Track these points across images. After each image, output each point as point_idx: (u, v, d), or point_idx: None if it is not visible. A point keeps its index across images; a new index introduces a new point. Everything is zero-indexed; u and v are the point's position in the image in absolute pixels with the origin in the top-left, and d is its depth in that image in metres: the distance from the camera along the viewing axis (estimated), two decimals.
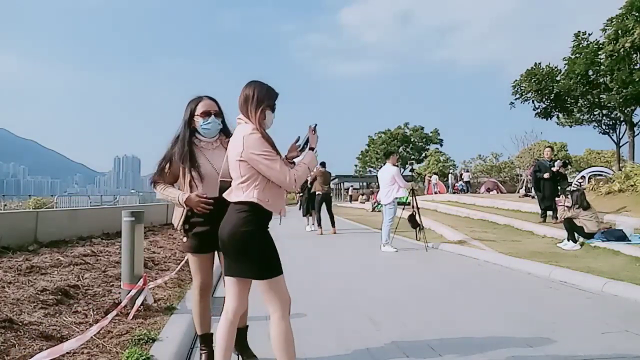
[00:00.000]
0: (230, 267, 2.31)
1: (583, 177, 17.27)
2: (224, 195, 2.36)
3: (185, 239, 2.67)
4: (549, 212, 10.02)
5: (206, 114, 2.60)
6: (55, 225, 7.76)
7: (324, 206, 11.79)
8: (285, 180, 2.21)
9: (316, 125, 2.43)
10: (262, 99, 2.28)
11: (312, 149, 2.38)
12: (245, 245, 2.22)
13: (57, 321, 3.26)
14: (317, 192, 11.67)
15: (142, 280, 3.71)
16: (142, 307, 3.62)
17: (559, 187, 9.90)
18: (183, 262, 5.47)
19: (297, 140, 2.46)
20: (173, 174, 2.67)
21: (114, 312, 3.16)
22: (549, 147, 11.70)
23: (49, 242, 7.05)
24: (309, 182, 12.00)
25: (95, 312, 3.57)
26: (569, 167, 25.36)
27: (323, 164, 11.84)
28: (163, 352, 2.85)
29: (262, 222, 2.28)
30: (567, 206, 8.15)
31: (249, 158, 2.21)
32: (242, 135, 2.24)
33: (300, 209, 15.48)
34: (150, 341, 2.98)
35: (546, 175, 9.66)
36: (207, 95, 2.69)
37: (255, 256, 2.23)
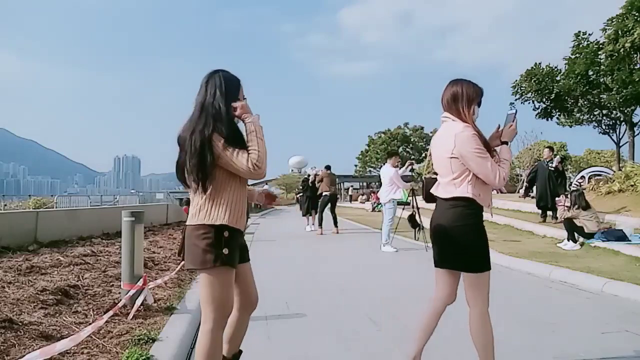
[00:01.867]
0: (442, 259, 2.48)
1: (583, 177, 17.24)
2: (431, 191, 2.52)
3: (226, 250, 2.07)
4: (549, 212, 10.02)
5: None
6: (55, 225, 7.76)
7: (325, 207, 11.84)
8: (494, 179, 2.27)
9: (516, 112, 2.47)
10: (471, 96, 2.37)
11: (505, 142, 2.42)
12: (460, 239, 2.34)
13: (57, 321, 3.26)
14: (324, 193, 11.77)
15: (142, 280, 3.71)
16: (142, 307, 3.62)
17: (557, 187, 9.87)
18: (183, 262, 5.47)
19: (498, 129, 2.50)
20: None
21: (110, 313, 3.16)
22: (548, 147, 11.67)
23: (49, 242, 7.05)
24: (316, 182, 12.19)
25: (95, 312, 3.57)
26: (567, 165, 25.32)
27: (328, 167, 12.13)
28: (163, 352, 2.85)
29: (477, 217, 2.36)
30: (567, 206, 8.15)
31: (460, 155, 2.29)
32: (453, 133, 2.32)
33: (300, 208, 15.49)
34: (150, 341, 2.98)
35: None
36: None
37: (468, 250, 2.34)
